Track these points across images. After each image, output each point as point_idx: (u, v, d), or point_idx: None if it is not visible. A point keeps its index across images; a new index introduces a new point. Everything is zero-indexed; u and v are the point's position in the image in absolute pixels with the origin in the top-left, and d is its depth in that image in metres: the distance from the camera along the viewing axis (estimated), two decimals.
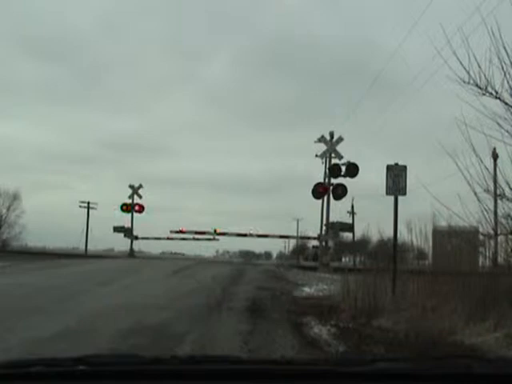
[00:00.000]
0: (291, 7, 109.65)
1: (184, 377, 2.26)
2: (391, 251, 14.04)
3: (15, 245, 64.87)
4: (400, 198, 14.19)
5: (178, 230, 63.53)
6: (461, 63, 9.72)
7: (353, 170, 44.53)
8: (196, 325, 10.76)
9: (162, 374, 2.28)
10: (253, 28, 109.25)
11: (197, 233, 64.41)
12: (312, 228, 58.63)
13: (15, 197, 68.10)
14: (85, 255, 55.74)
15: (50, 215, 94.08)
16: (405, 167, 14.29)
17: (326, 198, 46.10)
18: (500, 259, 11.51)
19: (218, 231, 63.80)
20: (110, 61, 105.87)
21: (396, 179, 14.04)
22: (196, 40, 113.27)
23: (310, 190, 46.36)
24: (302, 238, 69.71)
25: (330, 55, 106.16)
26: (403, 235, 14.00)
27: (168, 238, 65.40)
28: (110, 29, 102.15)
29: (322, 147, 46.10)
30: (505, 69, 9.35)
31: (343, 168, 44.92)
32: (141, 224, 62.98)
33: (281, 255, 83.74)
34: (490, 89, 9.53)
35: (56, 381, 2.25)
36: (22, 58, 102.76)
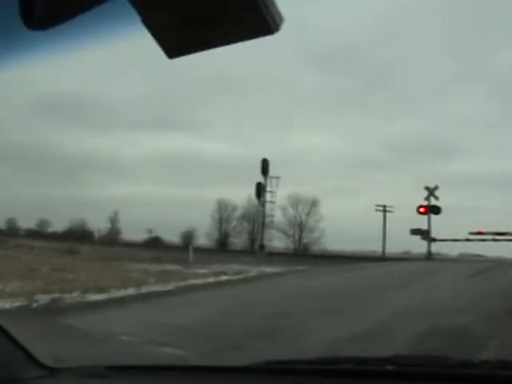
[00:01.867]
0: None
1: (494, 382, 2.12)
2: None
3: (315, 249, 68.51)
4: None
5: (476, 231, 61.58)
6: None
7: None
8: (497, 329, 10.28)
9: (471, 377, 2.17)
10: None
11: (496, 233, 61.71)
12: None
13: (314, 203, 72.30)
14: (381, 258, 56.38)
15: (346, 219, 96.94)
16: None
17: None
18: None
19: None
20: (388, 65, 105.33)
21: None
22: (475, 37, 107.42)
23: None
24: None
25: None
26: None
27: (466, 240, 63.57)
28: (387, 35, 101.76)
29: None
30: None
31: None
32: (437, 226, 61.87)
33: None
34: None
35: (364, 379, 2.26)
36: (309, 71, 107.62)
